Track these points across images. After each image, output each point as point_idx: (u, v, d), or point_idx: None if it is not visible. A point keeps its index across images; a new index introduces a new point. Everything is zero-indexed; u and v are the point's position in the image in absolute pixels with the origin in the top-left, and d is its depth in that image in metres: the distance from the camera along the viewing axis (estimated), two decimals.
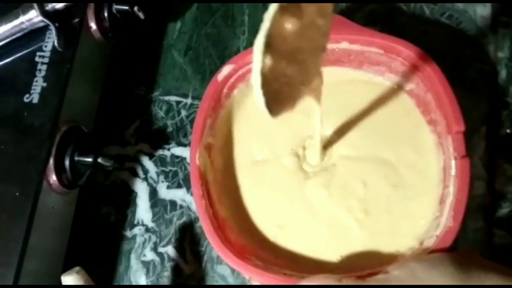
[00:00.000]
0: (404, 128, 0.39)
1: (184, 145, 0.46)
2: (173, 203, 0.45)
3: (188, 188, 0.45)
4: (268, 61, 0.26)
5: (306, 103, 0.34)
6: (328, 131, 0.40)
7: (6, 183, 0.37)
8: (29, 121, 0.38)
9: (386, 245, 0.36)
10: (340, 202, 0.38)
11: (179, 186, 0.45)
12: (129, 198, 0.45)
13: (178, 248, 0.43)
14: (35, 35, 0.41)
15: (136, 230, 0.45)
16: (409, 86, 0.40)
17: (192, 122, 0.46)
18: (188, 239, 0.43)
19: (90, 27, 0.43)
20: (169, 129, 0.47)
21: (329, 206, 0.38)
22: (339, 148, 0.40)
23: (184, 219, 0.44)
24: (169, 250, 0.43)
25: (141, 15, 0.44)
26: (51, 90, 0.39)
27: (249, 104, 0.42)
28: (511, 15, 0.44)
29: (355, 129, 0.40)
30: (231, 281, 0.42)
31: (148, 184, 0.46)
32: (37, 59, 0.40)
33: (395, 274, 0.30)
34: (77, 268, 0.35)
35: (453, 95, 0.36)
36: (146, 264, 0.43)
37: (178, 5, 0.51)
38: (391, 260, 0.35)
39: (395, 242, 0.36)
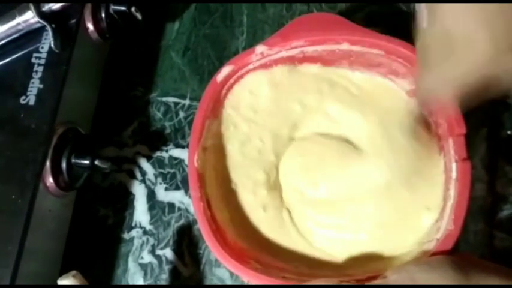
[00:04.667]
0: (406, 131, 0.39)
1: (183, 147, 0.46)
2: (171, 205, 0.44)
3: (186, 190, 0.44)
4: None
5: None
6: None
7: (2, 186, 0.37)
8: (26, 123, 0.38)
9: (386, 248, 0.36)
10: (339, 205, 0.38)
11: (177, 188, 0.45)
12: (126, 201, 0.45)
13: (177, 250, 0.43)
14: (31, 36, 0.40)
15: (134, 233, 0.44)
16: (410, 88, 0.39)
17: (190, 123, 0.46)
18: (186, 242, 0.43)
19: (87, 28, 0.43)
20: (167, 130, 0.47)
21: (327, 209, 0.38)
22: None
23: (182, 221, 0.44)
24: (168, 253, 0.43)
25: (138, 15, 0.44)
26: (47, 91, 0.39)
27: None
28: None
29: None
30: (230, 284, 0.41)
31: (146, 186, 0.45)
32: (33, 60, 0.40)
33: (393, 278, 0.30)
34: (74, 272, 0.34)
35: None
36: (144, 267, 0.43)
37: (177, 6, 0.51)
38: (391, 264, 0.35)
39: (395, 246, 0.36)
